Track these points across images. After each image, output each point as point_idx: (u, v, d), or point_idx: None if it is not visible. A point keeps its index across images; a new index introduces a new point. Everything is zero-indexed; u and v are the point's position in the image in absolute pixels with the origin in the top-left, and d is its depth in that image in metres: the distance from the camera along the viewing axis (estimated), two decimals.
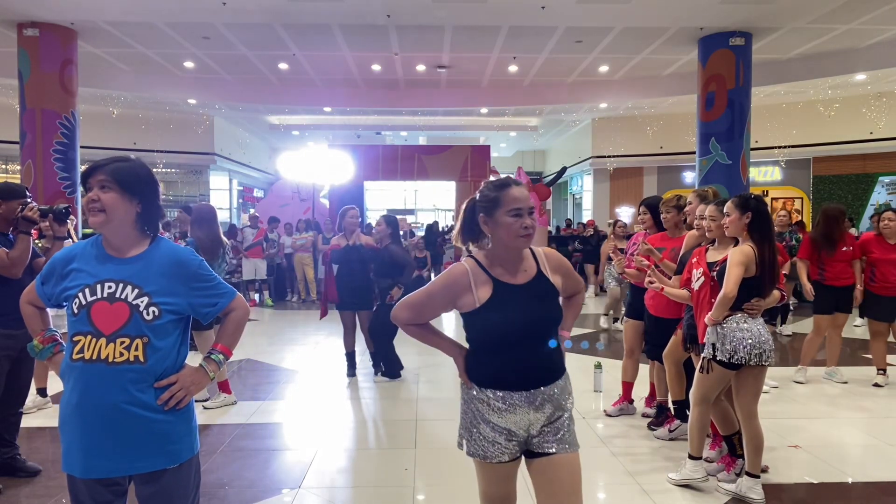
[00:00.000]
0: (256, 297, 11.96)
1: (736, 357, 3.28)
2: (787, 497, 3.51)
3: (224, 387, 5.23)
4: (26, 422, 4.51)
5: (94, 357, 1.85)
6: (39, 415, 4.90)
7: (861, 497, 3.58)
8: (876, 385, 5.74)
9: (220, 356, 2.08)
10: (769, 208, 4.18)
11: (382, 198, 22.53)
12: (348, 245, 6.08)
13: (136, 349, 1.87)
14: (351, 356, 6.29)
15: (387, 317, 6.19)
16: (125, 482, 1.98)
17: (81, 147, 10.54)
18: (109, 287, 1.89)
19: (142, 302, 1.89)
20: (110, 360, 1.85)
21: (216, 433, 4.52)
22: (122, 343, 1.86)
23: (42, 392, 5.07)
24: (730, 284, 3.27)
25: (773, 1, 9.04)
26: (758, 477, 3.39)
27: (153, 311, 1.90)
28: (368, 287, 6.19)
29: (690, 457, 3.59)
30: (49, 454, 4.10)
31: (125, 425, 1.87)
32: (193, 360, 2.07)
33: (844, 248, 5.86)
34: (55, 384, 5.34)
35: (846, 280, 5.88)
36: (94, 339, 1.86)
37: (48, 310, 2.14)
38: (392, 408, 5.25)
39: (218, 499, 3.45)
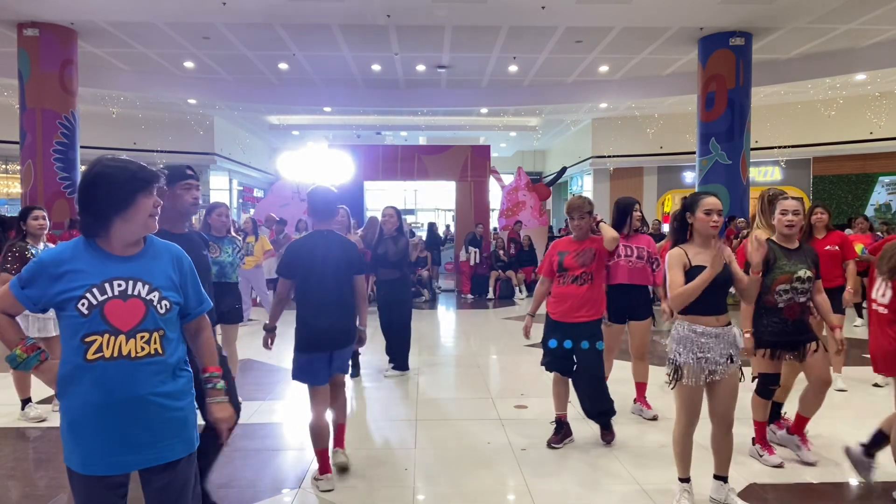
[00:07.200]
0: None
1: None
2: (788, 497, 3.51)
3: None
4: (26, 423, 4.53)
5: (116, 354, 1.86)
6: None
7: (861, 497, 3.58)
8: (876, 385, 5.74)
9: (218, 378, 2.18)
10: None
11: (382, 198, 22.55)
12: None
13: (155, 342, 1.92)
14: (355, 356, 6.30)
15: (408, 310, 6.32)
16: (128, 482, 1.98)
17: (81, 147, 10.56)
18: (119, 285, 1.90)
19: (154, 297, 1.94)
20: (133, 355, 1.88)
21: None
22: (142, 338, 1.90)
23: (27, 401, 4.78)
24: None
25: (773, 1, 9.05)
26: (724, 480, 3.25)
27: (165, 305, 1.96)
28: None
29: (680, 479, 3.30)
30: (49, 454, 4.10)
31: (155, 416, 1.92)
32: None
33: (827, 248, 5.33)
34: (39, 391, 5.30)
35: (830, 281, 5.16)
36: (113, 337, 1.87)
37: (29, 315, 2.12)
38: (392, 408, 5.25)
39: (218, 499, 3.45)
